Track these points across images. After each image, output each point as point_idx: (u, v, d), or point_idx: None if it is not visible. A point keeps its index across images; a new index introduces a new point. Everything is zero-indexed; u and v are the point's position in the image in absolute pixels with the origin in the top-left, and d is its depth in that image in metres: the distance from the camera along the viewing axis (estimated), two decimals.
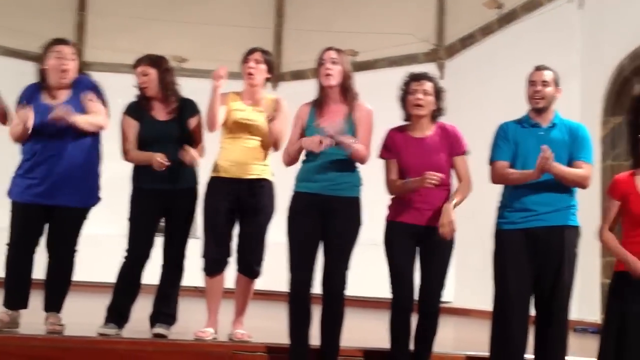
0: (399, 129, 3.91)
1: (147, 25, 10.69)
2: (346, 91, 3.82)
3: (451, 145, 3.84)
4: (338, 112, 3.80)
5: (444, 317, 3.84)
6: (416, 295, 3.77)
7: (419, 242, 3.78)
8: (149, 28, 10.70)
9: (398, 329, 3.75)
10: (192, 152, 4.13)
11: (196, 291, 4.45)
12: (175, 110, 4.25)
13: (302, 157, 3.89)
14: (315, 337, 3.77)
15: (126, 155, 4.24)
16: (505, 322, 3.77)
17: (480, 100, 8.68)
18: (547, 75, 3.90)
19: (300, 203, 3.79)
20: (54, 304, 4.13)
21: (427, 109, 3.81)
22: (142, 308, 4.28)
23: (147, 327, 4.20)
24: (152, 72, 4.23)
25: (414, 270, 3.78)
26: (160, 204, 4.17)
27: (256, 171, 4.14)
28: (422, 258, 3.80)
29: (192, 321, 4.61)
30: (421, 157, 3.79)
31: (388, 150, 3.87)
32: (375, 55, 10.21)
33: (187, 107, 4.28)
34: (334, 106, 3.82)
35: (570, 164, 3.83)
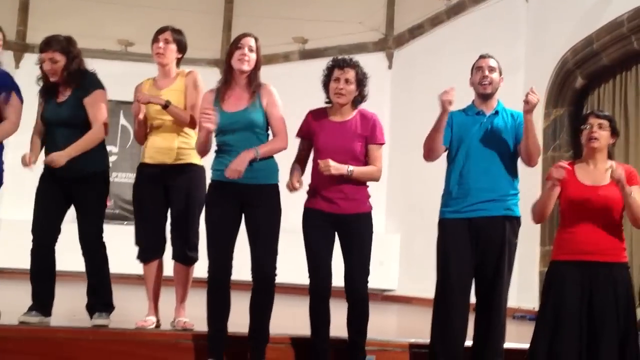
0: (319, 111, 3.93)
1: (92, 7, 10.46)
2: (252, 79, 3.81)
3: (371, 132, 3.85)
4: (242, 99, 3.79)
5: (387, 305, 3.90)
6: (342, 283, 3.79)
7: (337, 229, 3.81)
8: (95, 11, 10.48)
9: (317, 316, 3.77)
10: (54, 155, 3.93)
11: (139, 279, 4.38)
12: (72, 91, 4.08)
13: (214, 147, 3.86)
14: (242, 325, 3.78)
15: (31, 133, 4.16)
16: (446, 310, 3.83)
17: (428, 90, 8.72)
18: (493, 62, 3.97)
19: (217, 192, 3.76)
20: None
21: (348, 97, 3.83)
22: (79, 296, 4.18)
23: (87, 315, 4.12)
24: (61, 60, 4.05)
25: (331, 258, 3.80)
26: (65, 188, 4.05)
27: (182, 156, 4.09)
28: (343, 246, 3.82)
29: (134, 310, 4.55)
30: (335, 140, 3.80)
31: (302, 130, 3.91)
32: (325, 44, 10.22)
33: (84, 86, 4.08)
34: (239, 91, 3.81)
35: (515, 148, 3.90)
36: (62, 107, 4.07)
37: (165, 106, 3.99)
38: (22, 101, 4.14)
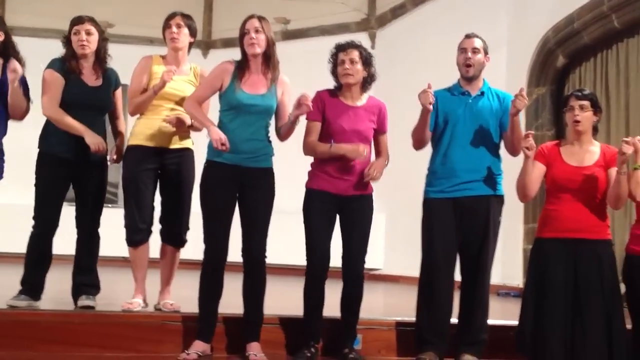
0: (330, 92, 3.92)
1: None
2: (269, 59, 3.79)
3: (381, 122, 3.92)
4: (260, 82, 3.78)
5: (373, 284, 3.93)
6: (339, 262, 3.82)
7: (339, 211, 3.83)
8: None
9: (312, 296, 3.80)
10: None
11: (124, 261, 4.37)
12: (102, 78, 4.13)
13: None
14: (235, 306, 3.78)
15: (49, 109, 3.99)
16: (431, 287, 3.87)
17: (410, 70, 8.75)
18: (477, 42, 3.96)
19: (216, 174, 3.74)
20: None
21: (356, 77, 3.83)
22: (65, 279, 4.18)
23: (71, 298, 4.11)
24: (96, 34, 4.09)
25: (331, 239, 3.82)
26: (70, 171, 4.03)
27: (179, 140, 4.10)
28: (343, 226, 3.85)
29: (119, 292, 4.55)
30: (351, 124, 3.82)
31: (316, 112, 3.84)
32: (307, 24, 10.15)
33: (113, 78, 4.18)
34: (256, 76, 3.79)
35: (500, 133, 3.93)
36: (98, 91, 4.08)
37: (191, 125, 4.06)
38: None
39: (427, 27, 8.95)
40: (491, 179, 3.92)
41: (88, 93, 4.06)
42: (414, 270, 4.07)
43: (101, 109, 4.13)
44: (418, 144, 3.99)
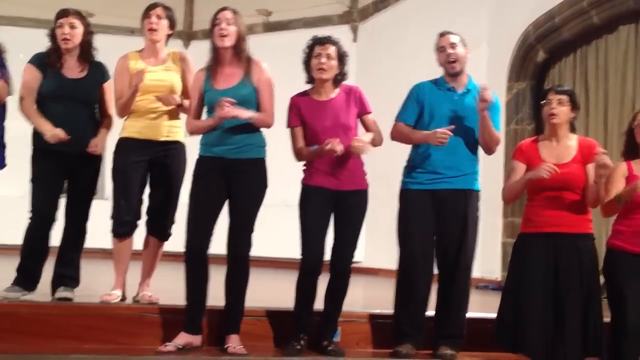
0: (303, 95, 3.90)
1: None
2: (240, 53, 3.77)
3: (361, 104, 3.88)
4: (233, 75, 3.75)
5: (353, 277, 3.93)
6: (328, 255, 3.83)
7: (334, 206, 3.81)
8: None
9: (304, 290, 3.80)
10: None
11: (105, 253, 4.34)
12: (86, 71, 4.10)
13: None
14: (218, 298, 3.79)
15: (22, 106, 4.02)
16: (409, 279, 3.89)
17: (392, 63, 8.78)
18: (453, 37, 3.97)
19: (204, 167, 3.75)
20: None
21: (330, 72, 3.81)
22: (47, 271, 4.15)
23: (50, 290, 4.09)
24: (80, 27, 4.06)
25: (326, 236, 3.82)
26: (64, 165, 4.02)
27: (168, 133, 4.08)
28: (337, 220, 3.84)
29: (98, 284, 4.53)
30: (329, 119, 3.80)
31: (294, 118, 3.85)
32: (289, 16, 10.13)
33: (99, 71, 4.14)
34: (229, 69, 3.77)
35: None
36: (81, 83, 4.04)
37: (180, 105, 4.01)
38: None
39: (409, 21, 8.97)
40: (470, 175, 3.94)
41: (67, 86, 4.02)
42: (395, 264, 4.08)
43: (83, 101, 4.07)
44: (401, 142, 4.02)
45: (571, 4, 6.80)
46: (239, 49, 3.76)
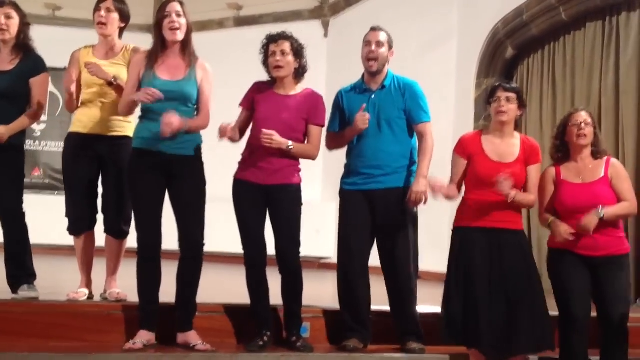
0: (264, 83, 3.91)
1: None
2: (186, 46, 3.74)
3: (312, 113, 3.86)
4: (178, 68, 3.72)
5: (323, 273, 3.95)
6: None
7: (266, 202, 3.80)
8: None
9: (254, 285, 3.80)
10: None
11: (71, 250, 4.29)
12: (18, 63, 3.99)
13: (139, 112, 3.79)
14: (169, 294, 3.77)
15: None
16: (347, 277, 3.95)
17: None
18: (382, 36, 3.96)
19: (141, 161, 3.68)
20: None
21: (287, 69, 3.81)
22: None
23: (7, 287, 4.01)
24: (16, 18, 3.99)
25: (263, 228, 3.80)
26: None
27: (118, 128, 4.01)
28: (272, 218, 3.83)
29: (65, 281, 4.47)
30: (275, 112, 3.80)
31: (245, 100, 3.90)
32: (260, 10, 10.09)
33: (31, 64, 4.02)
34: (174, 60, 3.74)
35: (406, 118, 3.94)
36: (5, 76, 3.94)
37: (110, 83, 3.90)
38: None
39: (380, 16, 8.94)
40: (401, 171, 3.94)
41: None
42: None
43: (4, 94, 3.92)
44: (332, 149, 4.10)
45: (540, 0, 6.87)
46: (186, 43, 3.74)
